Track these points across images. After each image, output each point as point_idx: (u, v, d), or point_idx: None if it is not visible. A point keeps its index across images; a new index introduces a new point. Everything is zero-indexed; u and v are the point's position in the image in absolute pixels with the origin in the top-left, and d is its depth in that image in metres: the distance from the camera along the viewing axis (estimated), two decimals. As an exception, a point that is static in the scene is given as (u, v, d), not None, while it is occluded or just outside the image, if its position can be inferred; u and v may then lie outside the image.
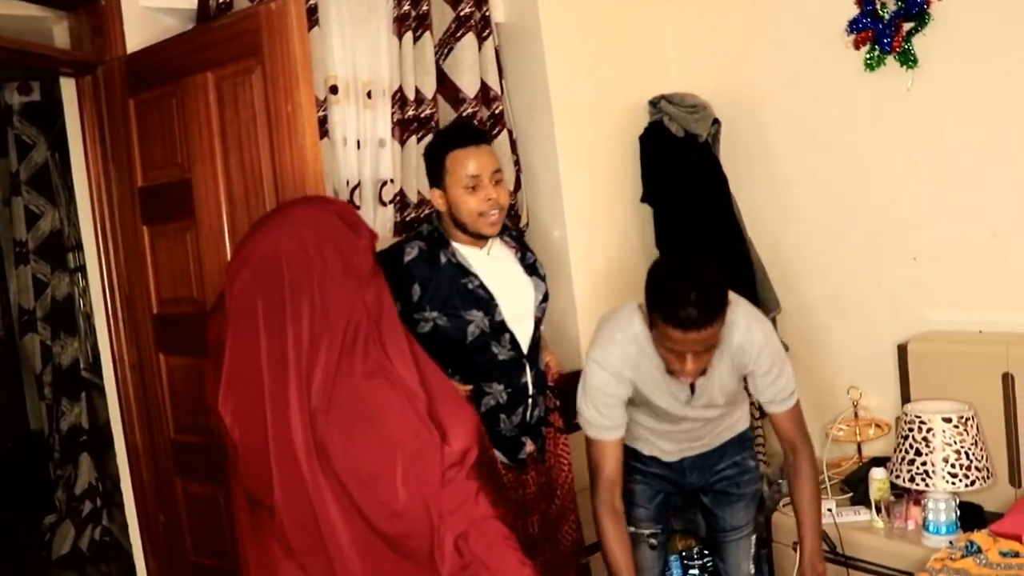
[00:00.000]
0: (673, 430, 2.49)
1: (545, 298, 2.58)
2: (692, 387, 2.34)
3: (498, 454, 2.40)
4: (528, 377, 2.51)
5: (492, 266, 2.47)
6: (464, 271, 2.42)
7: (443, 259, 2.41)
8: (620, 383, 2.30)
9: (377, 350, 1.85)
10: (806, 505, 2.42)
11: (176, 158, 2.66)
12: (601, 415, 2.31)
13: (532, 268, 2.59)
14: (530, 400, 2.53)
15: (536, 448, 2.56)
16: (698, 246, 3.53)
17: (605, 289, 3.60)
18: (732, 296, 2.19)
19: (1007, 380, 2.88)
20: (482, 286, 2.42)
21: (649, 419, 2.47)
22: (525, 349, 2.50)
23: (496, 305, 2.42)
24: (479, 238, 2.46)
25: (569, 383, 3.01)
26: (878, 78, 3.19)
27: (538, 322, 2.56)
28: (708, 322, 2.03)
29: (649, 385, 2.33)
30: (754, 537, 2.64)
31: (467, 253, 2.45)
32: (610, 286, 3.62)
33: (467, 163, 2.38)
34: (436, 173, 2.43)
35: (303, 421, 1.81)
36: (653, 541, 2.61)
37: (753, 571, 2.63)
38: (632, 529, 2.48)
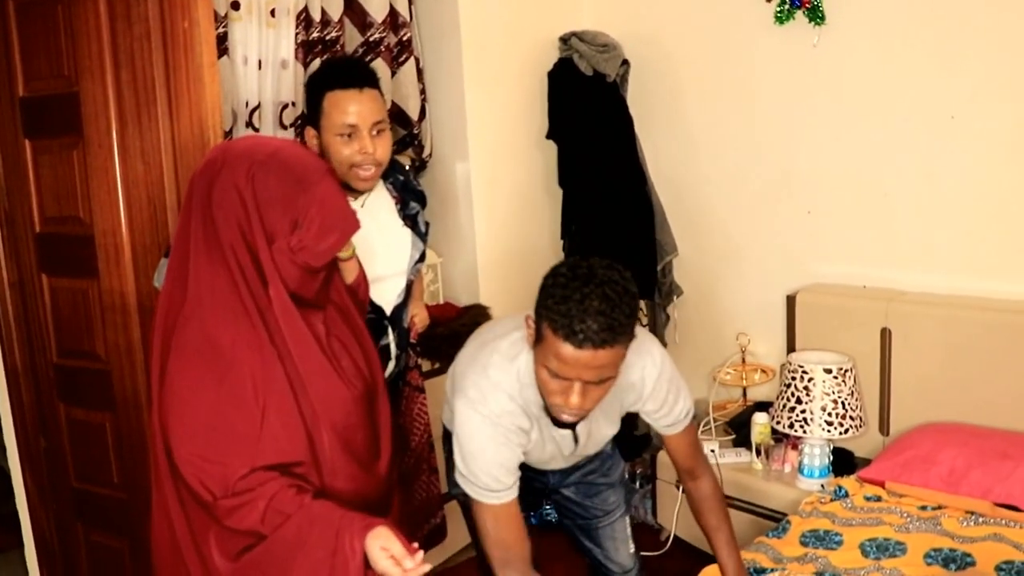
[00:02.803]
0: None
1: (421, 258, 2.37)
2: (576, 436, 2.01)
3: None
4: (390, 339, 2.34)
5: (363, 220, 2.10)
6: None
7: None
8: (518, 438, 1.88)
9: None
10: (721, 538, 2.14)
11: (62, 70, 2.51)
12: (501, 480, 1.86)
13: (413, 221, 2.36)
14: (391, 361, 2.36)
15: (391, 405, 2.41)
16: (606, 214, 3.54)
17: (506, 224, 3.60)
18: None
19: (885, 335, 3.01)
20: None
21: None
22: (389, 310, 2.31)
23: None
24: (351, 190, 2.17)
25: (446, 330, 3.02)
26: (786, 32, 3.22)
27: (409, 283, 2.36)
28: (608, 341, 1.63)
29: (536, 440, 1.96)
30: (627, 517, 2.37)
31: None
32: (512, 221, 3.62)
33: (346, 109, 2.10)
34: (312, 111, 2.16)
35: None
36: None
37: (633, 549, 2.37)
38: None
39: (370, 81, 2.16)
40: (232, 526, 1.64)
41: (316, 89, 2.16)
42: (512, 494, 1.89)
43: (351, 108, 2.11)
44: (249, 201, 1.66)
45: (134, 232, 2.44)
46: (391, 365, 2.39)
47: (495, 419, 1.84)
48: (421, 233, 2.38)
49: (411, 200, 2.39)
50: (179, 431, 1.64)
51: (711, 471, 2.18)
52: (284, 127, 2.99)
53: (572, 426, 1.94)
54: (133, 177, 2.43)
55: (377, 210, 2.29)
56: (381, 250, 2.27)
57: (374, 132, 2.14)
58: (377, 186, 2.30)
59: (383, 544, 1.59)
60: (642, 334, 1.95)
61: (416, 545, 1.62)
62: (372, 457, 1.87)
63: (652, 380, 1.96)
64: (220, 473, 1.63)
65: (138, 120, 2.41)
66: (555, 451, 2.03)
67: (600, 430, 2.07)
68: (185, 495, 1.69)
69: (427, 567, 1.61)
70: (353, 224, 1.75)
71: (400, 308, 2.37)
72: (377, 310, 2.29)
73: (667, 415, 2.03)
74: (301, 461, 1.70)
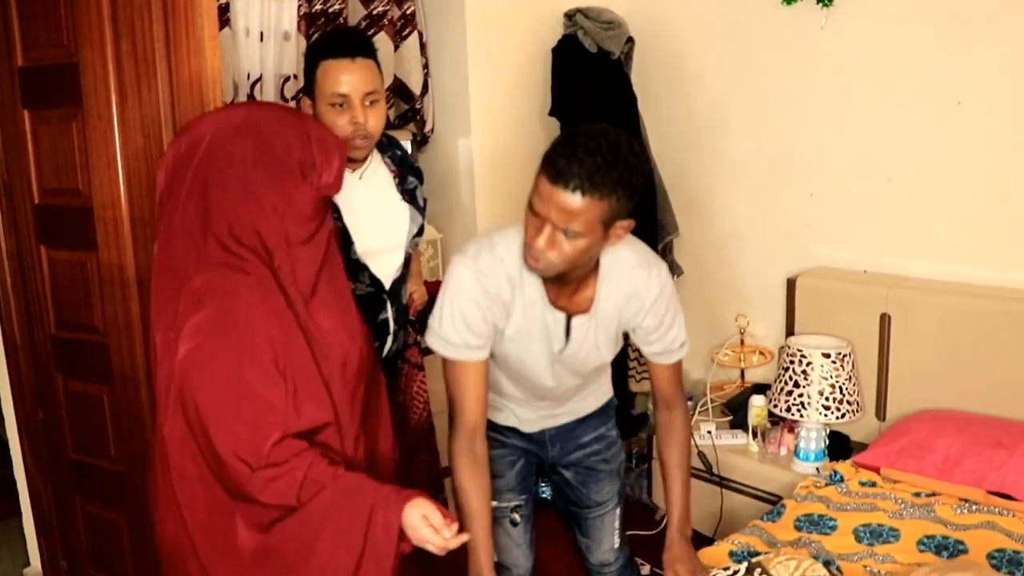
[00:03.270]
0: (533, 397, 2.16)
1: (420, 232, 2.36)
2: (568, 328, 1.96)
3: None
4: (388, 313, 2.32)
5: (361, 193, 2.21)
6: None
7: None
8: (494, 305, 1.89)
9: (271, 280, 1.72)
10: (676, 476, 2.10)
11: (62, 39, 2.48)
12: (460, 334, 1.89)
13: (411, 195, 2.34)
14: (390, 336, 2.35)
15: (390, 382, 2.33)
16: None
17: (507, 200, 3.57)
18: (630, 238, 1.94)
19: (884, 320, 3.00)
20: (339, 219, 2.16)
21: (509, 384, 2.12)
22: (387, 284, 2.29)
23: (352, 243, 2.19)
24: (348, 160, 2.12)
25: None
26: (794, 12, 3.19)
27: (408, 256, 2.35)
28: (580, 188, 1.66)
29: (522, 323, 1.93)
30: (619, 510, 2.33)
31: None
32: (513, 198, 3.57)
33: (338, 78, 2.07)
34: (308, 80, 2.14)
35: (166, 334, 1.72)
36: (516, 516, 2.23)
37: (617, 543, 2.34)
38: (493, 503, 2.06)
39: (364, 51, 2.13)
40: (268, 500, 1.66)
41: (311, 58, 2.14)
42: (472, 356, 1.91)
43: (343, 77, 2.08)
44: (254, 169, 1.69)
45: (133, 205, 2.42)
46: (389, 341, 2.38)
47: (479, 274, 1.87)
48: (419, 207, 2.37)
49: (409, 175, 2.38)
50: (209, 406, 1.65)
51: (686, 406, 2.17)
52: (285, 99, 2.97)
53: (568, 319, 1.95)
54: (133, 150, 2.41)
55: (376, 183, 2.28)
56: (380, 223, 2.27)
57: (367, 103, 2.12)
58: (375, 160, 2.29)
59: (423, 512, 1.65)
60: (654, 256, 2.02)
61: (453, 516, 1.69)
62: (365, 418, 1.90)
63: (654, 293, 1.96)
64: (252, 441, 1.64)
65: (138, 92, 2.38)
66: (543, 348, 1.98)
67: (596, 338, 2.00)
68: (207, 479, 1.70)
69: (465, 537, 1.69)
70: (340, 140, 1.88)
71: (398, 283, 2.36)
72: (376, 284, 2.28)
73: (661, 339, 2.02)
74: (328, 422, 1.73)
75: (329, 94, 2.08)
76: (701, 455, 3.09)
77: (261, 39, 2.88)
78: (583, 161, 1.65)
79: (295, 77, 2.96)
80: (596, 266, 1.92)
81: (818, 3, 3.10)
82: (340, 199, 2.10)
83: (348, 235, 2.20)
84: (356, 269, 2.22)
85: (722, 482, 3.06)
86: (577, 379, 2.11)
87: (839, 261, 3.26)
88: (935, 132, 2.98)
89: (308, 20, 2.97)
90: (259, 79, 2.89)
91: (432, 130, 3.47)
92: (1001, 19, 2.80)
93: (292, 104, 2.95)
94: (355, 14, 3.19)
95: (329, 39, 2.21)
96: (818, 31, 3.15)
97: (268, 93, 2.92)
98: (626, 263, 1.94)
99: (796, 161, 3.32)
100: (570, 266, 1.80)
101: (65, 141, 2.52)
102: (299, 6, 2.93)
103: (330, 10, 3.05)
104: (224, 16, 2.72)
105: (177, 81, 2.34)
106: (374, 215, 2.25)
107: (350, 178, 2.18)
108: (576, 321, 1.96)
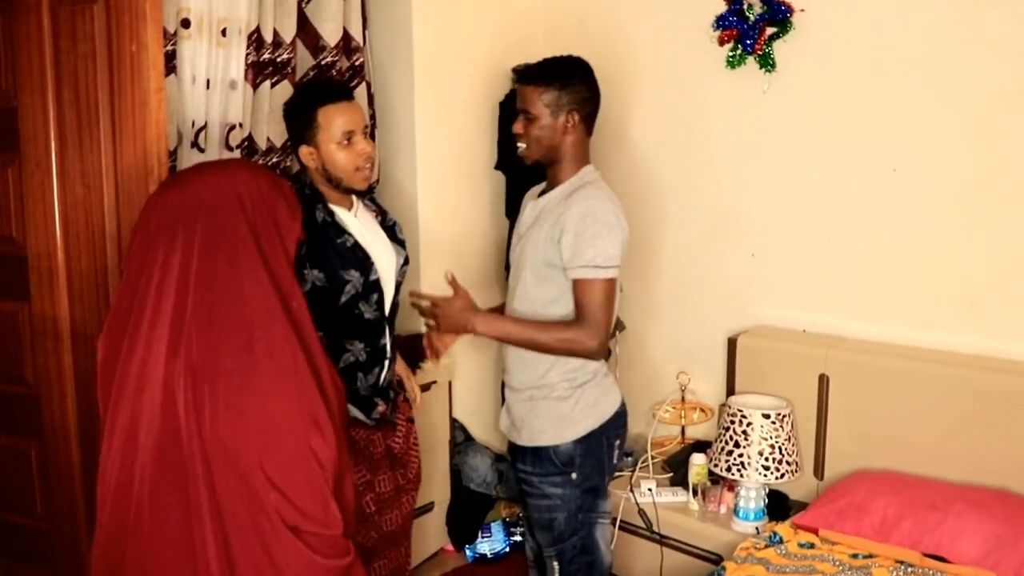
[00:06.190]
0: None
1: (406, 262, 2.58)
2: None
3: (355, 411, 2.42)
4: (387, 339, 2.51)
5: (360, 226, 2.45)
6: (340, 229, 2.38)
7: (319, 217, 2.35)
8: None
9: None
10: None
11: (0, 83, 2.43)
12: None
13: (391, 232, 2.57)
14: (387, 361, 2.51)
15: (387, 409, 2.53)
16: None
17: (452, 251, 3.57)
18: (596, 180, 2.40)
19: (823, 381, 3.05)
20: (357, 245, 2.39)
21: None
22: (387, 311, 2.49)
23: (372, 264, 2.40)
24: (348, 194, 2.44)
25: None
26: (738, 76, 3.26)
27: (398, 286, 2.55)
28: (528, 78, 2.36)
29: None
30: (556, 563, 2.45)
31: (338, 212, 2.42)
32: (457, 249, 3.60)
33: (342, 118, 2.33)
34: (306, 129, 2.35)
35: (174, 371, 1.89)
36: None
37: None
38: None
39: (351, 92, 2.44)
40: None
41: (308, 108, 2.35)
42: None
43: (346, 116, 2.34)
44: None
45: (71, 257, 2.37)
46: (386, 366, 2.51)
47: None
48: (400, 241, 2.58)
49: (386, 214, 2.61)
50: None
51: (588, 333, 2.25)
52: (231, 148, 2.93)
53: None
54: (72, 200, 2.36)
55: (367, 220, 2.50)
56: (378, 252, 2.45)
57: (365, 134, 2.39)
58: (357, 201, 2.50)
59: None
60: (611, 202, 2.32)
61: None
62: None
63: (585, 208, 2.26)
64: None
65: (79, 141, 2.35)
66: (519, 231, 2.49)
67: (538, 228, 2.34)
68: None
69: None
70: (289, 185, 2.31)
71: (393, 311, 2.53)
72: (381, 307, 2.46)
73: (572, 246, 2.24)
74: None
75: (339, 133, 2.33)
76: (642, 513, 3.09)
77: (207, 87, 2.84)
78: (533, 65, 2.40)
79: (240, 126, 2.93)
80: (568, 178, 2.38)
81: (761, 68, 3.18)
82: (351, 229, 2.40)
83: (369, 258, 2.40)
84: (369, 291, 2.40)
85: (662, 540, 3.06)
86: (523, 274, 2.38)
87: (779, 320, 3.31)
88: (873, 197, 3.06)
89: (256, 69, 2.94)
90: (204, 127, 2.85)
91: (378, 181, 3.46)
92: (934, 91, 2.90)
93: (238, 152, 2.92)
94: (303, 64, 3.18)
95: (321, 88, 2.48)
96: (761, 95, 3.22)
97: (212, 142, 2.88)
98: (588, 188, 2.33)
99: (738, 221, 3.37)
100: (537, 147, 2.35)
101: (0, 188, 2.46)
102: (247, 55, 2.91)
103: (278, 60, 3.03)
104: (170, 63, 2.68)
105: (120, 132, 2.32)
106: (374, 245, 2.45)
107: (347, 214, 2.43)
108: (530, 204, 2.46)
